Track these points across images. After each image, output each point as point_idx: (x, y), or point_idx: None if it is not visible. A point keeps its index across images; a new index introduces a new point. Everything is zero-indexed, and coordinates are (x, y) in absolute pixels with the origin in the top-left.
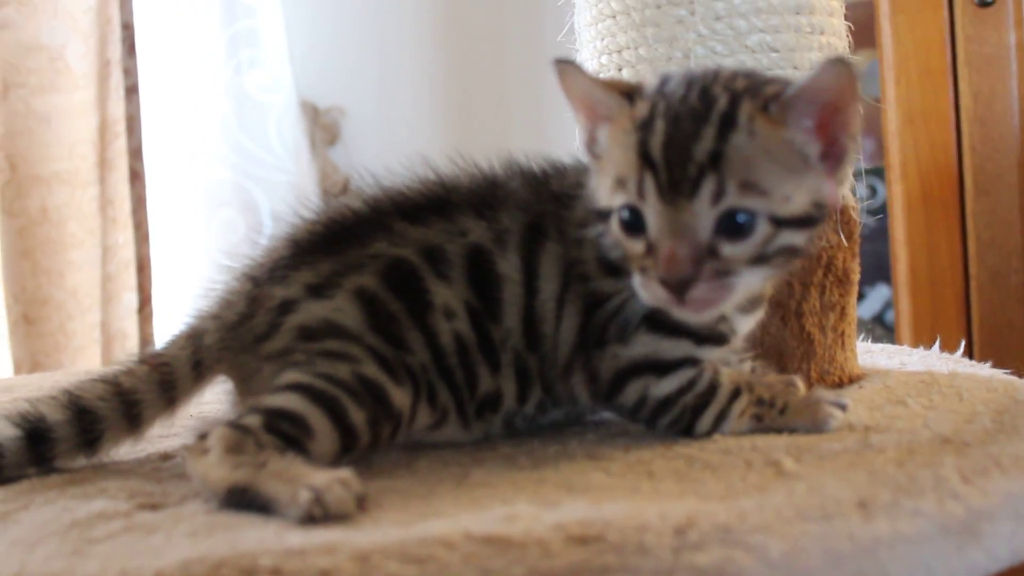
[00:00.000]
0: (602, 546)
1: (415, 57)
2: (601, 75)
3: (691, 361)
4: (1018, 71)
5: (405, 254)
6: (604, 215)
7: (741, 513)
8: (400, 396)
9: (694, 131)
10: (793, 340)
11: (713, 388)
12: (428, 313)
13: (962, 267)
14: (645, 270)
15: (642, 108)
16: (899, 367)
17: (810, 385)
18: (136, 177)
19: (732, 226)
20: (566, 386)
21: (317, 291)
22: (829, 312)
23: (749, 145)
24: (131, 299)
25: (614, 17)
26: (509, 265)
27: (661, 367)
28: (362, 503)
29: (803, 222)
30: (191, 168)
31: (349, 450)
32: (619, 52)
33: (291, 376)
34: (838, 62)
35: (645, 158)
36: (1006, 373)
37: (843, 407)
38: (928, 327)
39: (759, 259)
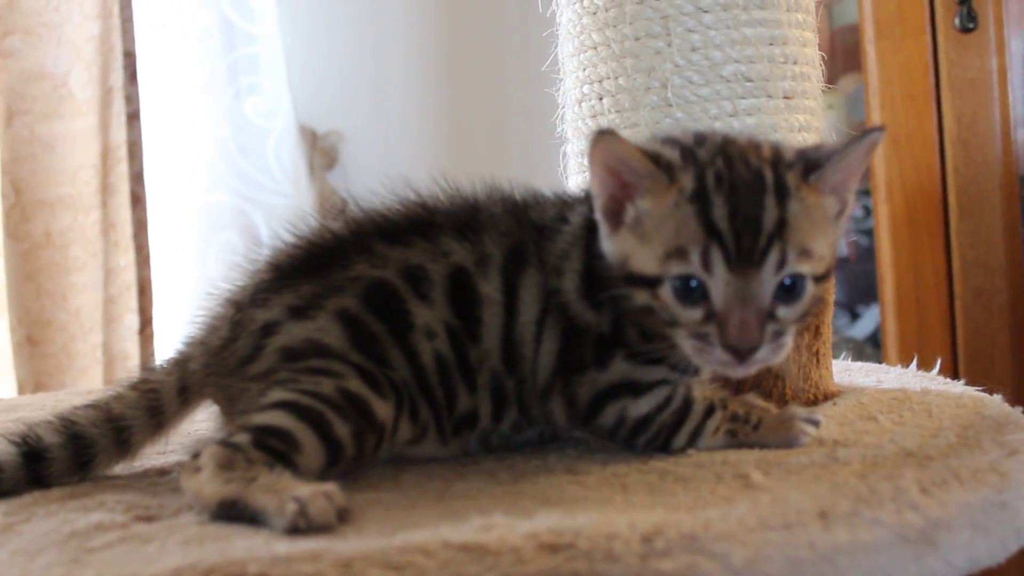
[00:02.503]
0: (572, 553)
1: (412, 82)
2: (583, 104)
3: (666, 381)
4: (1000, 95)
5: (386, 276)
6: (648, 282)
7: (706, 522)
8: (383, 409)
9: (758, 201)
10: None
11: (688, 405)
12: (409, 333)
13: (947, 286)
14: (704, 336)
15: (687, 180)
16: (875, 385)
17: (784, 403)
18: (137, 201)
19: (787, 290)
20: (544, 409)
21: (299, 313)
22: (804, 331)
23: (801, 213)
24: (132, 321)
25: (595, 48)
26: (491, 287)
27: (638, 388)
28: (344, 515)
29: (828, 275)
30: (191, 192)
31: (336, 463)
32: (600, 82)
33: (277, 394)
34: (875, 134)
35: (710, 229)
36: (978, 390)
37: (816, 423)
38: (914, 344)
39: (802, 316)
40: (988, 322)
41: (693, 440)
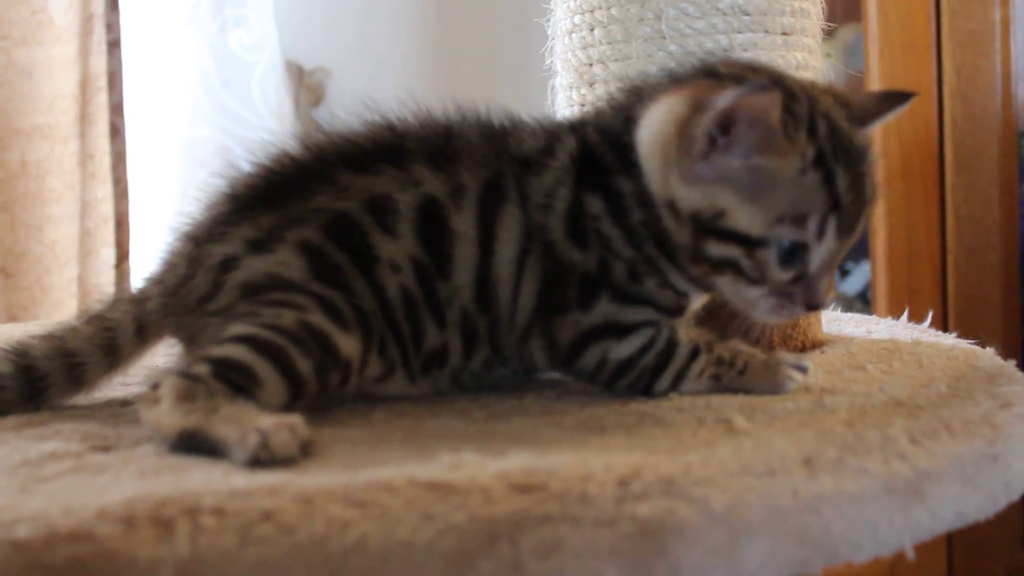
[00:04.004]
0: (544, 494)
1: (402, 19)
2: (573, 35)
3: (650, 322)
4: (1002, 48)
5: (349, 208)
6: (746, 241)
7: (685, 466)
8: (348, 344)
9: (865, 170)
10: None
11: (672, 347)
12: (374, 266)
13: (940, 242)
14: (790, 295)
15: (804, 144)
16: (864, 335)
17: (772, 350)
18: (116, 133)
19: None
20: (524, 350)
21: (259, 246)
22: None
23: None
24: (109, 255)
25: None
26: (464, 222)
27: (621, 329)
28: (308, 449)
29: None
30: (173, 126)
31: (298, 398)
32: (591, 12)
33: (237, 328)
34: (910, 98)
35: (834, 201)
36: (970, 343)
37: (804, 370)
38: (904, 301)
39: None
40: (980, 280)
41: (676, 383)
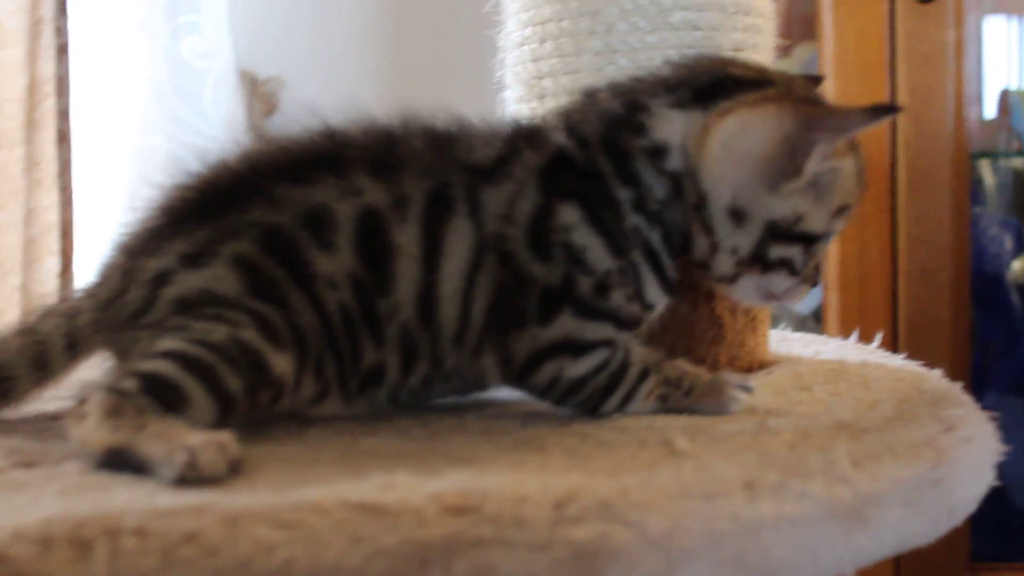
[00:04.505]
0: (478, 517)
1: (356, 28)
2: (524, 48)
3: (607, 343)
4: (955, 70)
5: (284, 221)
6: (810, 239)
7: (623, 489)
8: (280, 362)
9: None
10: (702, 324)
11: (624, 368)
12: (311, 282)
13: (891, 262)
14: (808, 277)
15: (854, 142)
16: (813, 355)
17: (718, 370)
18: (63, 139)
19: None
20: (474, 366)
21: (193, 260)
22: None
23: None
24: (53, 263)
25: None
26: (406, 236)
27: (578, 347)
28: (237, 467)
29: None
30: (123, 133)
31: (228, 416)
32: (543, 24)
33: (166, 343)
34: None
35: (863, 187)
36: (918, 365)
37: (748, 390)
38: (856, 321)
39: None
40: (931, 301)
41: (624, 404)
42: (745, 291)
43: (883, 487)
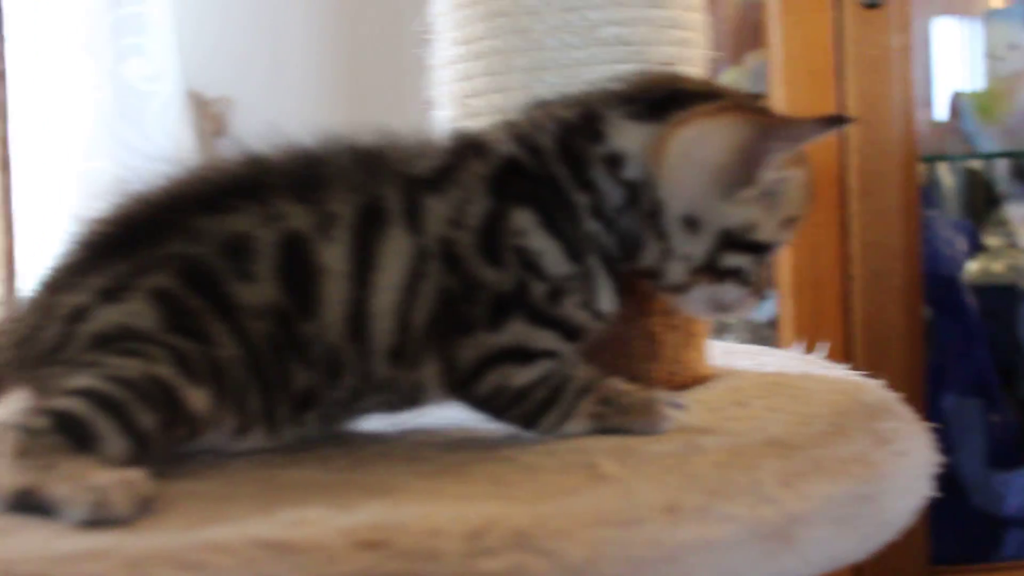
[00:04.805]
0: (390, 552)
1: (306, 48)
2: (455, 67)
3: (552, 353)
4: (902, 74)
5: (203, 253)
6: (760, 248)
7: (541, 517)
8: (197, 398)
9: None
10: (637, 341)
11: (565, 383)
12: (232, 314)
13: (843, 267)
14: (755, 290)
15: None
16: (755, 368)
17: (655, 387)
18: (4, 166)
19: None
20: (412, 379)
21: (110, 295)
22: (676, 312)
23: None
24: None
25: (467, 7)
26: (334, 255)
27: (526, 355)
28: (147, 506)
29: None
30: (68, 158)
31: (143, 453)
32: (472, 43)
33: (79, 379)
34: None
35: (810, 198)
36: (862, 374)
37: (680, 408)
38: (810, 328)
39: None
40: (884, 304)
41: (561, 421)
42: (696, 302)
43: (811, 505)
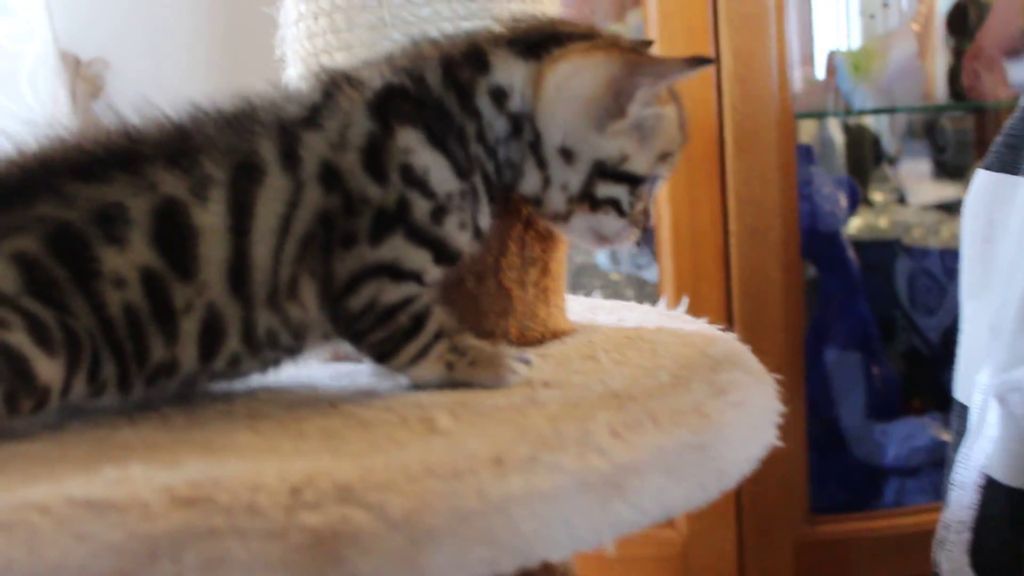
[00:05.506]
0: (209, 507)
1: (183, 9)
2: (300, 24)
3: (419, 277)
4: (777, 32)
5: (72, 218)
6: (634, 180)
7: (366, 471)
8: (48, 369)
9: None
10: (490, 297)
11: (426, 316)
12: (94, 282)
13: (722, 224)
14: (637, 221)
15: (675, 92)
16: (616, 323)
17: (509, 342)
18: None
19: None
20: (293, 315)
21: None
22: (530, 267)
23: None
24: None
25: None
26: (210, 215)
27: (399, 273)
28: None
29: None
30: None
31: None
32: (314, 1)
33: None
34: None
35: (683, 135)
36: (720, 328)
37: (527, 362)
38: (690, 284)
39: None
40: (763, 260)
41: (417, 360)
42: (578, 230)
43: (642, 456)
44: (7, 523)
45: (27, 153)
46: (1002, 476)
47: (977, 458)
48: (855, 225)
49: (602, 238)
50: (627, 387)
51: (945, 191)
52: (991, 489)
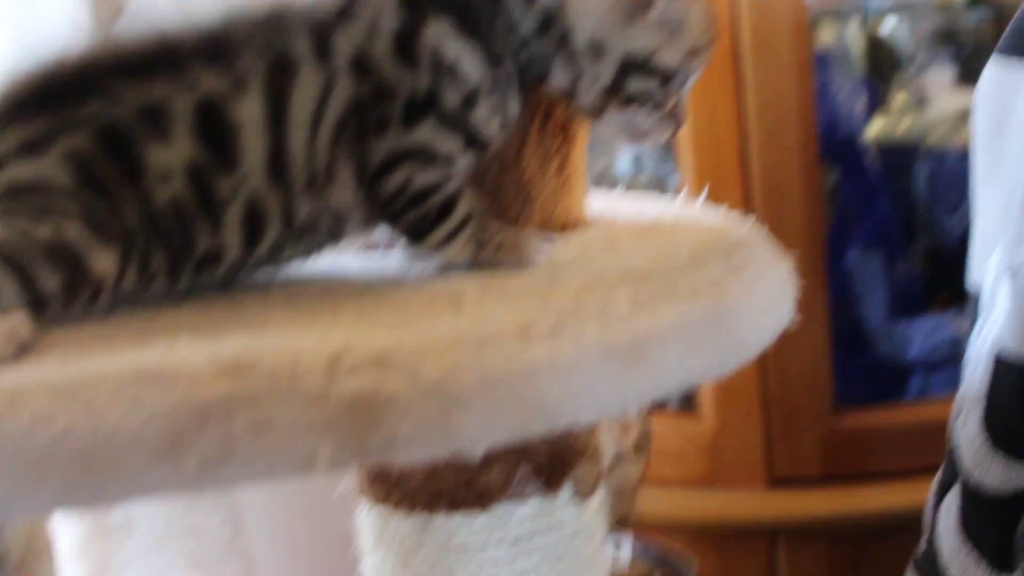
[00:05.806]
0: (254, 375)
1: None
2: None
3: (451, 161)
4: None
5: (120, 115)
6: (665, 74)
7: (399, 340)
8: (103, 261)
9: None
10: (512, 187)
11: (457, 198)
12: (141, 178)
13: (741, 127)
14: (669, 115)
15: None
16: (635, 216)
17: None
18: None
19: None
20: (333, 199)
21: (30, 148)
22: (550, 159)
23: None
24: None
25: None
26: (249, 109)
27: (431, 158)
28: (24, 349)
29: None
30: None
31: (41, 311)
32: None
33: None
34: None
35: (712, 34)
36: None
37: (551, 243)
38: (709, 188)
39: None
40: (781, 162)
41: (448, 240)
42: (613, 126)
43: (663, 325)
44: (67, 391)
45: (74, 56)
46: (1013, 350)
47: (989, 333)
48: (877, 127)
49: (637, 133)
50: (648, 265)
51: (967, 98)
52: (1003, 363)
